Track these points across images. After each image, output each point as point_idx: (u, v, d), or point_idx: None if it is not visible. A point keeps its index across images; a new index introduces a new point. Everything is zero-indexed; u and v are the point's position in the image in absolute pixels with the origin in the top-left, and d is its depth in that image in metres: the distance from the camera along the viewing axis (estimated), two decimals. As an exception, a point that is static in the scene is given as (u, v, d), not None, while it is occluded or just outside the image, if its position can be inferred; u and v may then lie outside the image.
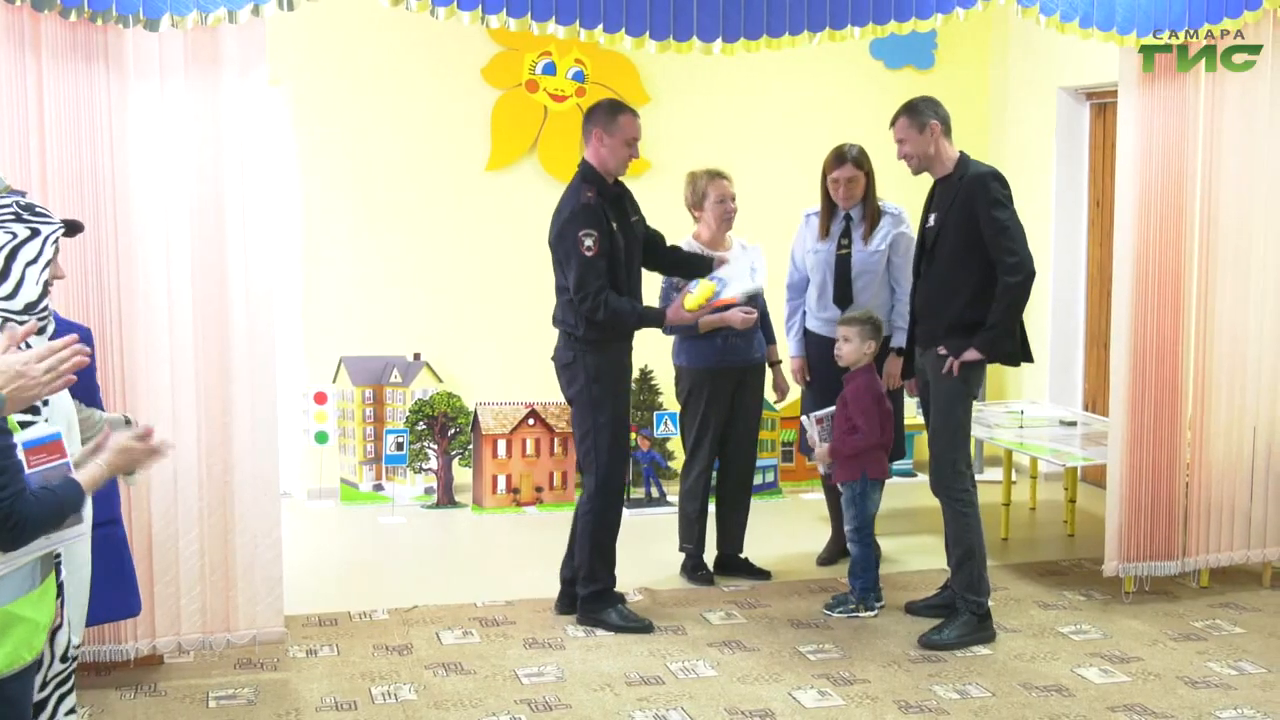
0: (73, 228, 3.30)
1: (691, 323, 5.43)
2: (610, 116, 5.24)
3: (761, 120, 8.03)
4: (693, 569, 5.99)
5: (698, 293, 5.27)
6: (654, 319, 5.33)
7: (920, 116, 5.08)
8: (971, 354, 5.05)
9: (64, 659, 3.41)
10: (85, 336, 3.52)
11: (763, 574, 6.07)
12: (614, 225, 5.22)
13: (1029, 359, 5.26)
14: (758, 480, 7.69)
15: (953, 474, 5.17)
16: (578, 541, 5.41)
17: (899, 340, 5.86)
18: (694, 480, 6.00)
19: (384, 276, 7.62)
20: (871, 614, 5.48)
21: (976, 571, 5.19)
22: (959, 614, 5.19)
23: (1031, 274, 5.02)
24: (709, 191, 5.90)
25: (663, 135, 7.85)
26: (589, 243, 5.11)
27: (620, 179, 5.39)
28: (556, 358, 5.41)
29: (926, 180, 5.31)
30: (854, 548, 5.50)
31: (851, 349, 5.44)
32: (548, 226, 7.61)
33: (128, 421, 3.68)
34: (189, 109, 4.51)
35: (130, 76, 4.42)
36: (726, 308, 5.40)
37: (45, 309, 3.14)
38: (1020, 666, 4.94)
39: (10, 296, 3.04)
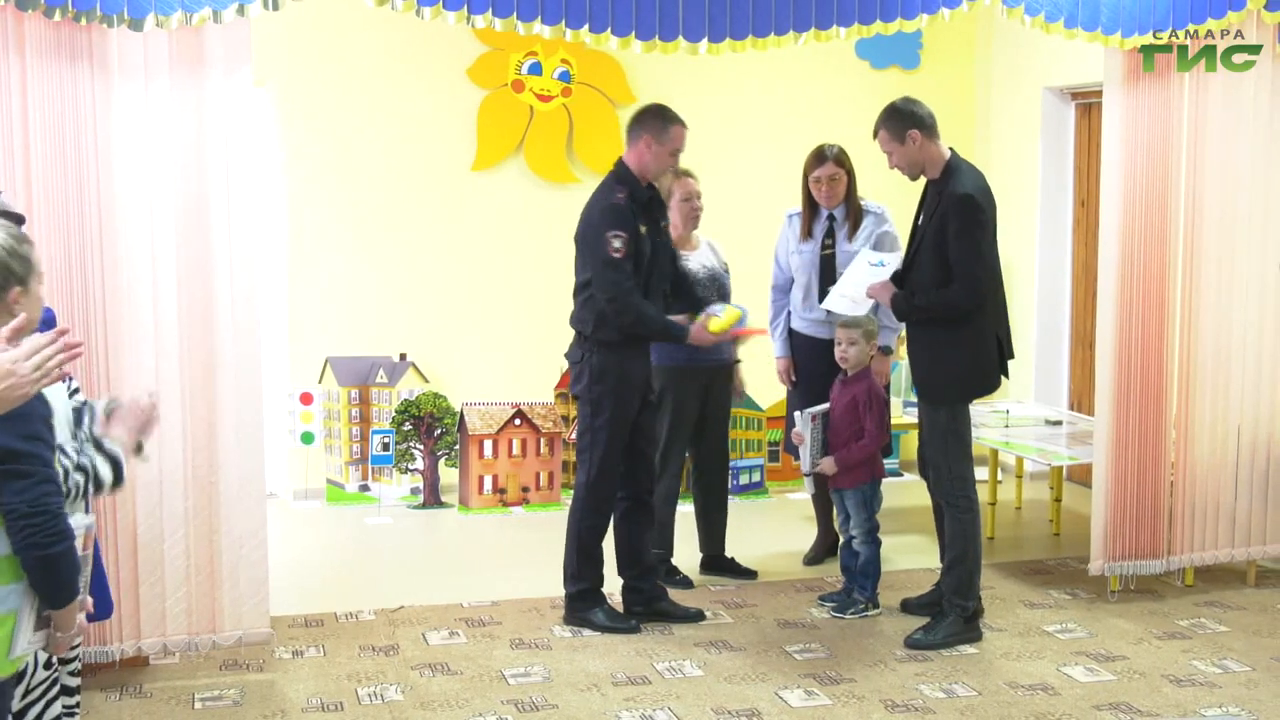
0: (9, 219, 3.23)
1: (711, 345, 5.44)
2: (663, 125, 5.22)
3: (748, 120, 8.03)
4: (665, 573, 5.92)
5: (724, 317, 5.26)
6: (678, 333, 5.26)
7: (900, 126, 4.99)
8: (887, 297, 5.07)
9: (46, 666, 3.39)
10: (50, 319, 3.48)
11: (748, 573, 6.07)
12: (642, 229, 5.21)
13: (1005, 374, 5.22)
14: (744, 480, 7.74)
15: (949, 479, 5.16)
16: (566, 541, 5.40)
17: (886, 339, 5.88)
18: (668, 483, 5.94)
19: (370, 277, 7.61)
20: (878, 611, 5.50)
21: (967, 576, 5.19)
22: (945, 615, 5.20)
23: (978, 305, 4.98)
24: (674, 190, 5.85)
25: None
26: (616, 244, 5.08)
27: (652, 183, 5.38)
28: (569, 355, 5.41)
29: (905, 178, 5.31)
30: (866, 549, 5.48)
31: (857, 352, 5.43)
32: (534, 226, 7.69)
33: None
34: (174, 109, 4.49)
35: (115, 76, 4.41)
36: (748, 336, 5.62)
37: None
38: (1006, 665, 4.95)
39: None
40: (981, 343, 5.06)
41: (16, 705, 3.24)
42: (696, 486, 6.14)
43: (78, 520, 2.83)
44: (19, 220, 3.28)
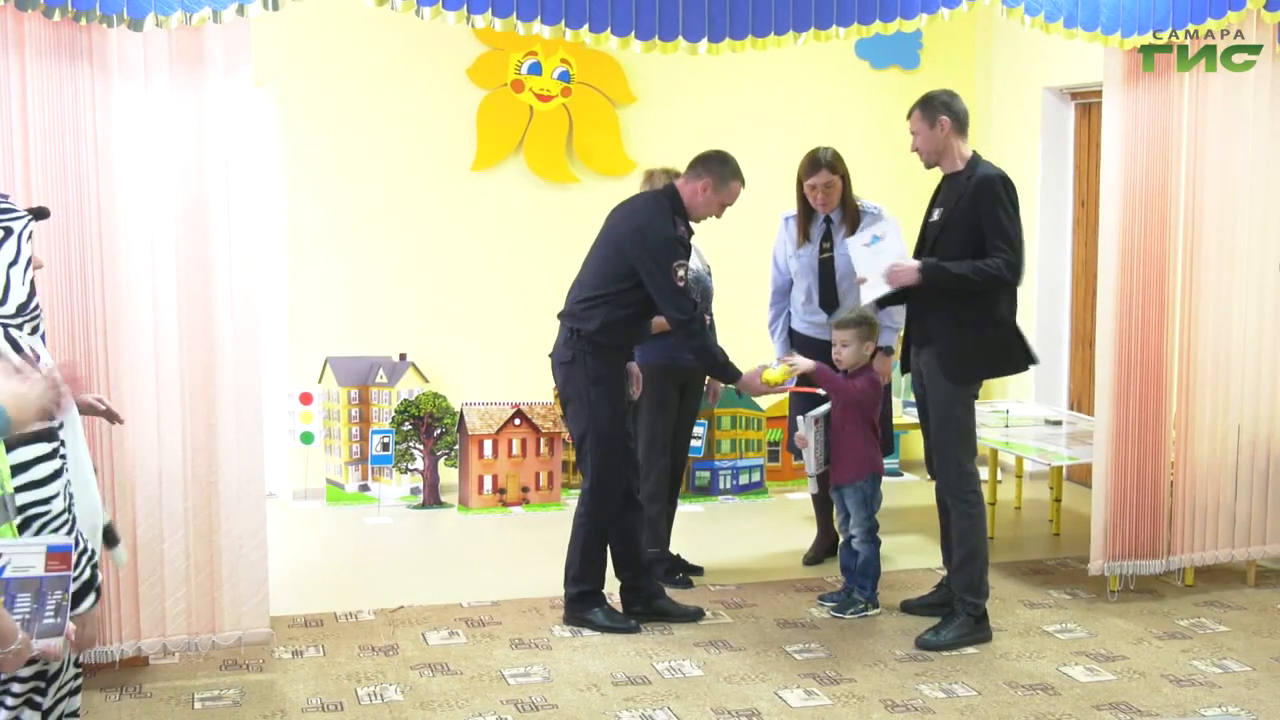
0: (39, 214, 3.28)
1: (758, 394, 5.54)
2: (726, 178, 5.30)
3: (748, 120, 8.03)
4: (664, 572, 5.94)
5: (778, 371, 5.38)
6: (734, 374, 5.34)
7: (933, 111, 5.06)
8: (911, 276, 5.01)
9: (77, 663, 3.42)
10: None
11: (686, 579, 6.03)
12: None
13: (1033, 361, 5.26)
14: (744, 480, 7.74)
15: (958, 474, 5.15)
16: (570, 542, 5.40)
17: (887, 339, 5.88)
18: (655, 481, 5.92)
19: (369, 277, 7.61)
20: (878, 611, 5.49)
21: (978, 573, 5.18)
22: (956, 615, 5.18)
23: (1018, 279, 5.02)
24: None
25: (648, 136, 7.86)
26: (681, 273, 5.18)
27: None
28: (555, 354, 5.39)
29: (909, 178, 5.32)
30: (865, 548, 5.46)
31: (850, 353, 5.43)
32: (534, 226, 7.69)
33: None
34: (173, 109, 4.49)
35: (114, 76, 4.40)
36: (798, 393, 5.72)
37: (36, 308, 3.14)
38: (1006, 665, 4.95)
39: (1, 302, 3.04)
40: (1005, 322, 5.10)
41: (48, 702, 3.29)
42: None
43: (38, 540, 2.83)
44: (43, 214, 3.33)
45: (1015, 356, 5.20)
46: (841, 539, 5.66)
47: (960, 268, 4.98)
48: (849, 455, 5.46)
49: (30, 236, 3.14)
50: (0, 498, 2.73)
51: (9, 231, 3.09)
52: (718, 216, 5.41)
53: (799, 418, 5.59)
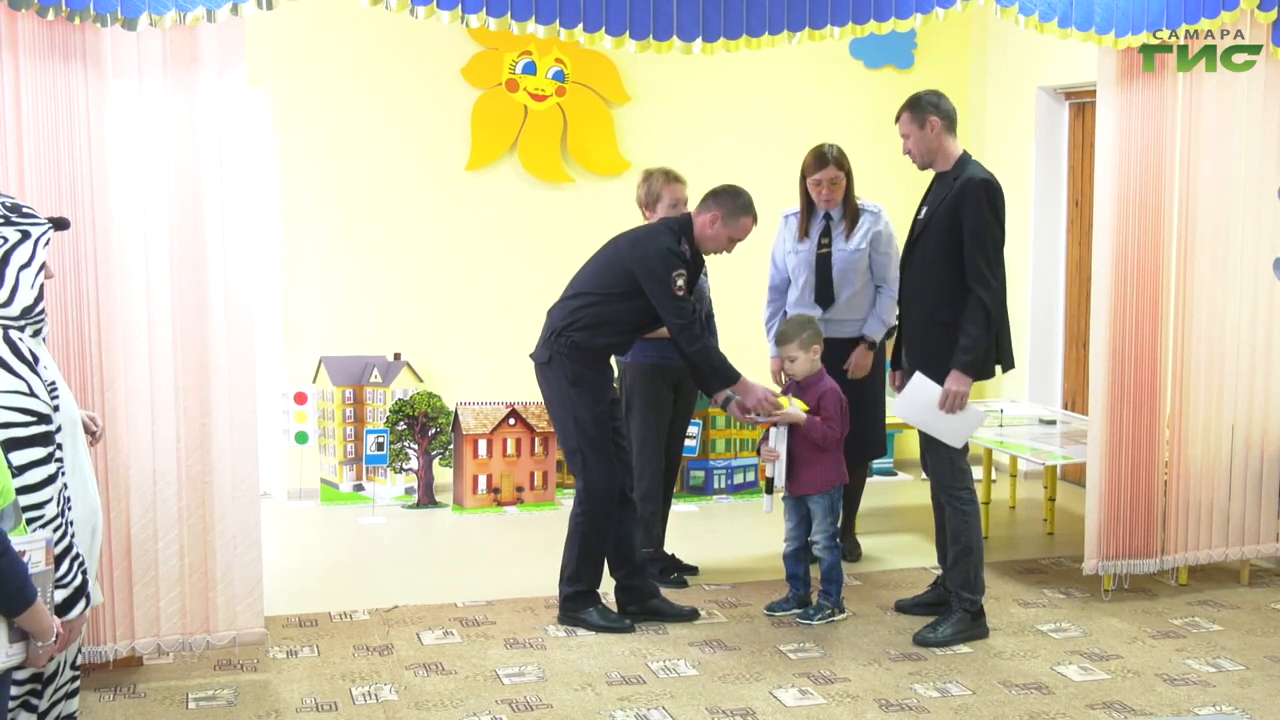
0: (60, 224, 3.31)
1: (754, 403, 5.29)
2: (737, 212, 5.28)
3: (742, 120, 8.04)
4: (659, 571, 5.93)
5: (798, 405, 5.34)
6: (733, 375, 5.27)
7: (921, 112, 5.05)
8: (959, 384, 4.97)
9: (74, 666, 3.43)
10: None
11: (689, 570, 6.05)
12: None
13: (1010, 365, 5.23)
14: (738, 480, 7.74)
15: (951, 472, 5.16)
16: (566, 542, 5.39)
17: (871, 329, 5.89)
18: (649, 481, 5.91)
19: (364, 276, 7.61)
20: (844, 615, 5.48)
21: (973, 569, 5.18)
22: (953, 612, 5.19)
23: (1002, 286, 4.98)
24: (663, 195, 5.82)
25: (643, 135, 7.86)
26: (680, 282, 5.18)
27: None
28: (534, 355, 5.40)
29: (904, 177, 5.32)
30: (829, 555, 5.42)
31: (797, 365, 5.41)
32: (528, 225, 7.69)
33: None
34: (167, 109, 4.48)
35: (108, 76, 4.40)
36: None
37: (41, 312, 3.16)
38: (1000, 664, 4.95)
39: (6, 303, 3.06)
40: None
41: (44, 705, 3.30)
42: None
43: (36, 536, 2.86)
44: (63, 225, 3.36)
45: (983, 361, 5.09)
46: (789, 548, 5.57)
47: (965, 338, 4.94)
48: (819, 468, 5.40)
49: (48, 244, 3.17)
50: (5, 508, 2.76)
51: (26, 235, 3.13)
52: (728, 251, 5.40)
53: (771, 430, 5.43)
